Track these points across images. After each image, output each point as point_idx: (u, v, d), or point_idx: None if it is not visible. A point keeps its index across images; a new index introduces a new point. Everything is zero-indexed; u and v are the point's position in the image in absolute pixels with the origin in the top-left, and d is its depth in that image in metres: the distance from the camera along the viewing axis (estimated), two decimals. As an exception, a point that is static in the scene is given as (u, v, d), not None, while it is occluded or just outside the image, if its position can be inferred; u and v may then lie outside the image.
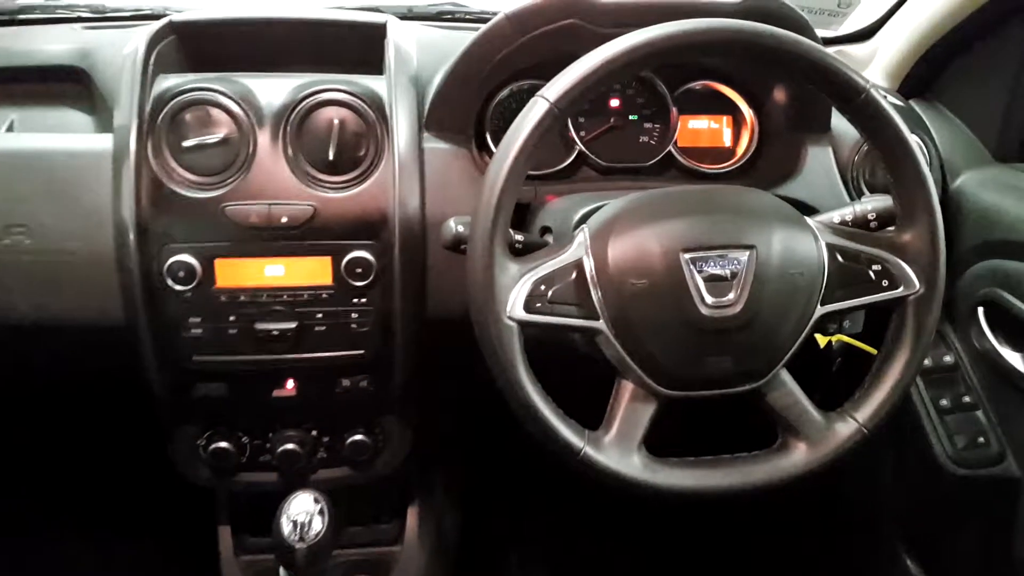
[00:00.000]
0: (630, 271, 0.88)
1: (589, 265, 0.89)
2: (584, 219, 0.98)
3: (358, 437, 1.23)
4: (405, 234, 1.09)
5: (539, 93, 0.86)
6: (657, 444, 0.91)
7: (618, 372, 0.90)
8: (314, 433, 1.23)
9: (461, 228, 0.96)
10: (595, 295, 0.88)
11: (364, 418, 1.23)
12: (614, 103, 1.29)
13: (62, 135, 1.12)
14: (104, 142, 1.07)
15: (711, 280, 0.87)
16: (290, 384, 1.16)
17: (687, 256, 0.87)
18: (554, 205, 1.12)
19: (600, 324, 0.88)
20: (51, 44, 1.22)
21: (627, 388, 0.90)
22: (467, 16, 1.40)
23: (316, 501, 1.08)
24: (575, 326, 0.89)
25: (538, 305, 0.87)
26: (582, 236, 0.91)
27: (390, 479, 1.31)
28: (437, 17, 1.39)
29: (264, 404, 1.17)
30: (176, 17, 1.17)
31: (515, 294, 0.86)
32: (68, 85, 1.21)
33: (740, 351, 0.90)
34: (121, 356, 1.11)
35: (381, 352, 1.14)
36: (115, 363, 1.14)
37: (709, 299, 0.87)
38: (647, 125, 1.30)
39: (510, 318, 0.86)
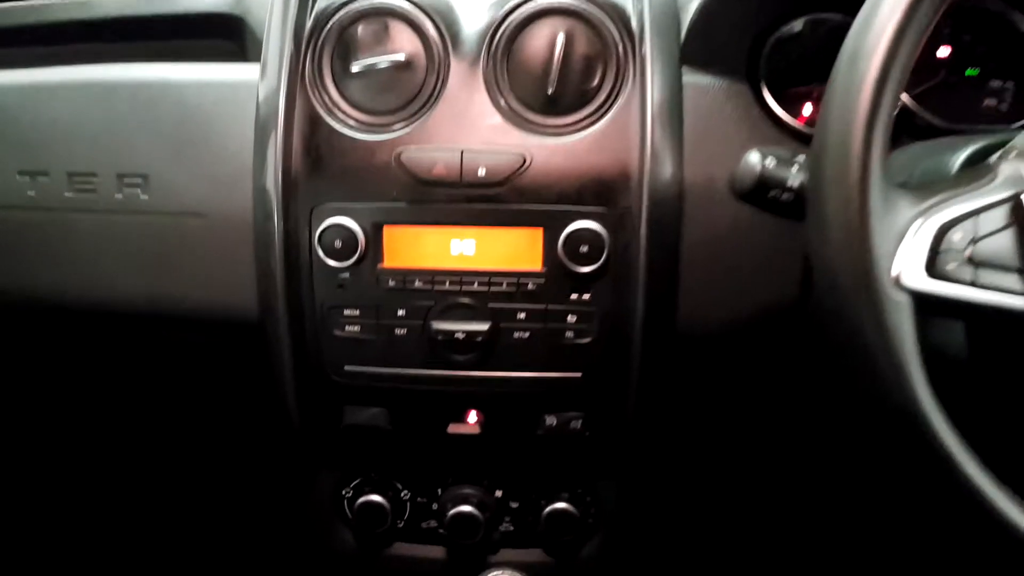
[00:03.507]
0: None
1: None
2: (985, 152, 0.57)
3: (560, 506, 0.85)
4: (655, 199, 0.73)
5: None
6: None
7: None
8: (499, 494, 0.86)
9: (771, 163, 0.59)
10: None
11: (572, 478, 0.86)
12: (943, 52, 0.88)
13: (194, 64, 0.85)
14: (250, 72, 0.80)
15: None
16: (472, 417, 0.81)
17: None
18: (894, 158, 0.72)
19: None
20: None
21: None
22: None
23: None
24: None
25: (950, 267, 0.47)
26: (1013, 166, 0.51)
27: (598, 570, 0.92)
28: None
29: (435, 444, 0.82)
30: None
31: (910, 248, 0.47)
32: (219, 41, 0.96)
33: None
34: (252, 362, 0.81)
35: (606, 377, 0.77)
36: (243, 372, 0.85)
37: None
38: (994, 84, 0.88)
39: (901, 286, 0.47)
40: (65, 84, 0.84)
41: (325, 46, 0.76)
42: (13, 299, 0.84)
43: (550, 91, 0.74)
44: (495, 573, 0.70)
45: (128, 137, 0.79)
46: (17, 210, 0.82)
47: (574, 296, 0.75)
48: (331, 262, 0.74)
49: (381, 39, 0.76)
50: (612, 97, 0.75)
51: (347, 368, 0.78)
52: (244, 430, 1.05)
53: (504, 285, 0.75)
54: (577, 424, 0.79)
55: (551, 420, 0.79)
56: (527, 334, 0.76)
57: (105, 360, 1.01)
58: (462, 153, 0.74)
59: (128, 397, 1.13)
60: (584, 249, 0.73)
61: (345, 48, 0.76)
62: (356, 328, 0.77)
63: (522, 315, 0.75)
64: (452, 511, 0.84)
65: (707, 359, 0.83)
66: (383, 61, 0.75)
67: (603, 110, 0.75)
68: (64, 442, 1.27)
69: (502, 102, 0.75)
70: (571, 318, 0.75)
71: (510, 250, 0.75)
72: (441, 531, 0.87)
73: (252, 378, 0.85)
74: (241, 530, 1.32)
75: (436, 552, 0.89)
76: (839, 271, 0.49)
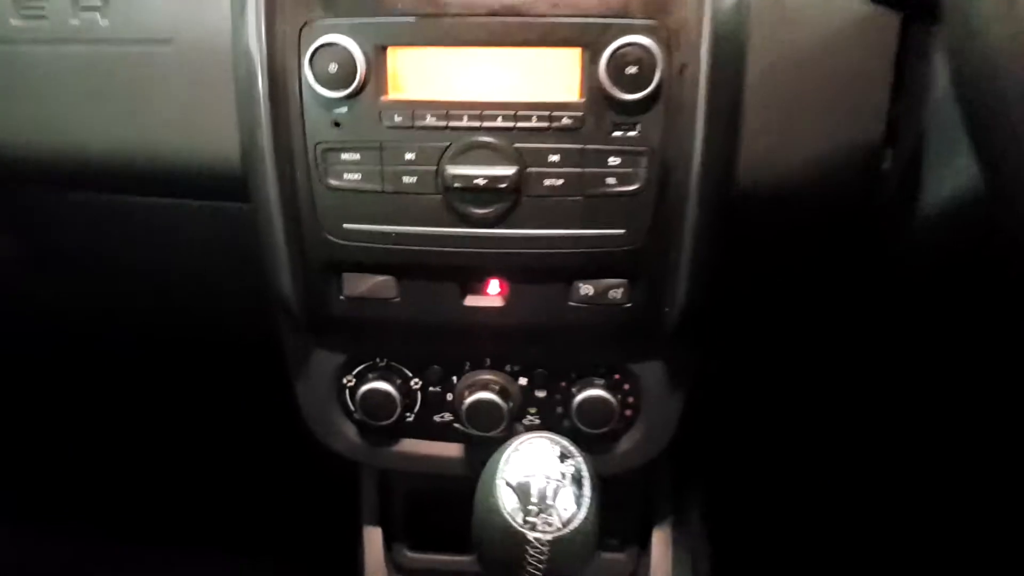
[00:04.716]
0: None
1: None
2: None
3: (594, 393, 0.73)
4: (720, 7, 0.59)
5: None
6: None
7: None
8: (523, 381, 0.74)
9: None
10: None
11: (608, 360, 0.73)
12: None
13: None
14: None
15: None
16: (494, 287, 0.69)
17: None
18: None
19: None
20: None
21: None
22: None
23: (564, 456, 0.58)
24: None
25: None
26: None
27: (633, 477, 0.80)
28: None
29: (450, 321, 0.70)
30: None
31: None
32: None
33: None
34: (236, 226, 0.69)
35: (654, 236, 0.64)
36: (227, 242, 0.73)
37: None
38: None
39: None
40: None
41: None
42: None
43: None
44: (537, 441, 0.58)
45: None
46: None
47: (618, 133, 0.62)
48: (325, 92, 0.61)
49: None
50: None
51: (345, 226, 0.66)
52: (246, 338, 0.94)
53: (533, 120, 0.62)
54: (617, 293, 0.67)
55: (587, 288, 0.67)
56: (560, 181, 0.63)
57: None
58: None
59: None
60: (632, 71, 0.59)
61: None
62: (356, 176, 0.64)
63: (555, 157, 0.62)
64: (468, 399, 0.72)
65: (771, 224, 0.70)
66: None
67: None
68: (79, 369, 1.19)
69: None
70: (614, 160, 0.62)
71: (541, 76, 0.62)
72: (456, 424, 0.75)
73: (236, 257, 0.73)
74: (248, 448, 1.24)
75: (451, 450, 0.77)
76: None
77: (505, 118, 0.62)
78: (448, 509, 0.83)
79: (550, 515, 0.54)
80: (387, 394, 0.74)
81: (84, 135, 0.70)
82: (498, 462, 0.57)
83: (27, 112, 0.70)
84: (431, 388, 0.76)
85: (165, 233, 0.78)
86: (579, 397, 0.73)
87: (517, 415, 0.74)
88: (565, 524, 0.54)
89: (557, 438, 0.59)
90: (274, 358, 0.80)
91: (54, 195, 0.77)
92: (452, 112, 0.62)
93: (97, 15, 0.67)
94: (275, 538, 1.23)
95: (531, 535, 0.54)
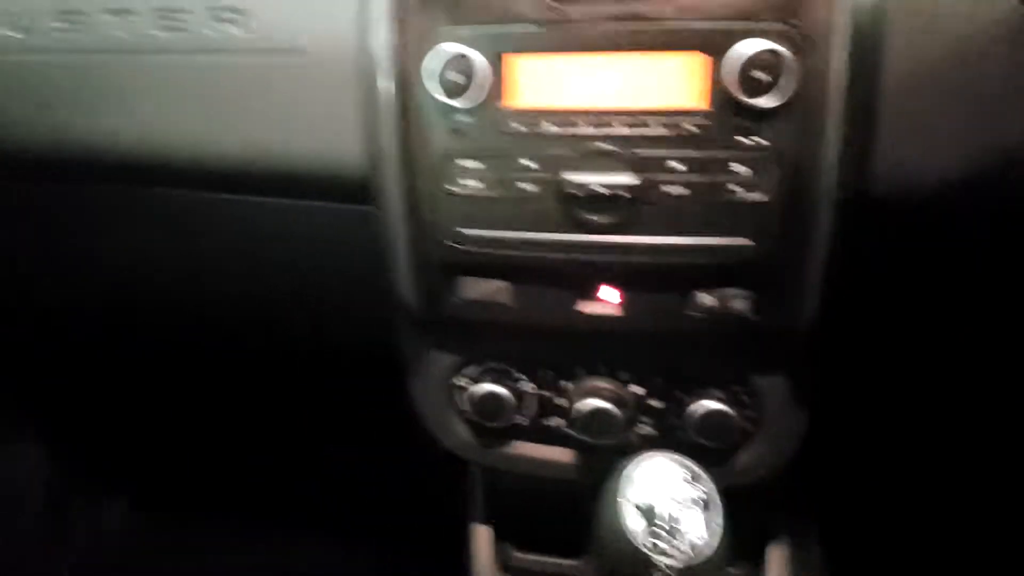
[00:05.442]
0: None
1: None
2: None
3: (712, 405, 0.71)
4: (859, 8, 0.57)
5: None
6: None
7: None
8: (638, 390, 0.73)
9: None
10: None
11: (729, 371, 0.71)
12: None
13: None
14: None
15: None
16: (610, 294, 0.68)
17: None
18: None
19: None
20: None
21: None
22: None
23: (692, 479, 0.57)
24: None
25: None
26: None
27: (750, 492, 0.78)
28: None
29: (564, 327, 0.70)
30: None
31: None
32: None
33: None
34: (357, 229, 0.72)
35: (784, 247, 0.62)
36: (347, 242, 0.76)
37: None
38: None
39: None
40: None
41: None
42: (98, 151, 0.77)
43: None
44: (658, 458, 0.57)
45: None
46: (107, 54, 0.74)
47: (744, 140, 0.60)
48: (447, 100, 0.62)
49: None
50: None
51: (463, 231, 0.66)
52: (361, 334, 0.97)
53: (655, 126, 0.61)
54: (742, 305, 0.65)
55: (708, 299, 0.65)
56: (684, 189, 0.61)
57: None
58: None
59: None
60: (762, 77, 0.57)
61: None
62: (475, 182, 0.65)
63: (678, 164, 0.61)
64: (581, 406, 0.71)
65: (910, 236, 0.66)
66: None
67: None
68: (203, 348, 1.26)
69: None
70: (739, 168, 0.60)
71: (664, 83, 0.60)
72: (567, 431, 0.75)
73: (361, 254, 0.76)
74: (358, 444, 1.29)
75: (563, 455, 0.77)
76: None
77: (626, 125, 0.61)
78: (557, 512, 0.84)
79: (678, 540, 0.53)
80: (499, 396, 0.75)
81: (215, 139, 0.74)
82: (620, 480, 0.56)
83: (164, 117, 0.75)
84: (543, 392, 0.76)
85: (288, 233, 0.82)
86: (697, 410, 0.71)
87: (630, 423, 0.73)
88: (695, 551, 0.53)
89: (681, 459, 0.58)
90: (390, 355, 0.82)
91: (181, 194, 0.82)
92: (572, 119, 0.62)
93: (233, 27, 0.70)
94: (385, 532, 1.27)
95: (660, 560, 0.53)
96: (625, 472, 0.57)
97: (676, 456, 0.58)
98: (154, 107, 0.74)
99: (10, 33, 0.77)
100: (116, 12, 0.73)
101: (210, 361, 1.27)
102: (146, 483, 1.50)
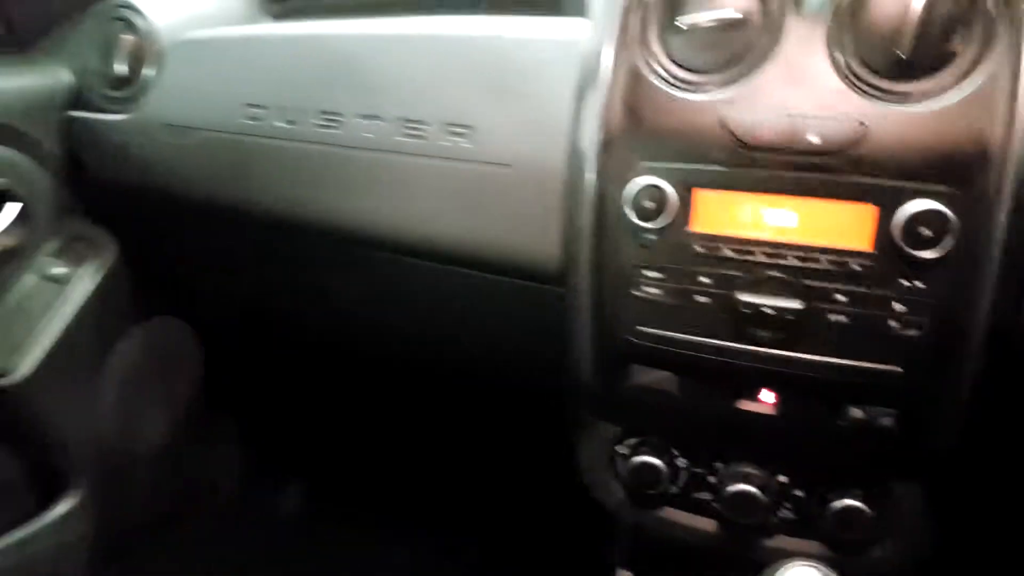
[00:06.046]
0: None
1: None
2: None
3: (850, 503, 0.79)
4: (1023, 180, 0.63)
5: None
6: None
7: None
8: (782, 479, 0.82)
9: None
10: None
11: (869, 474, 0.79)
12: None
13: (514, 17, 0.88)
14: (568, 26, 0.81)
15: None
16: (768, 397, 0.77)
17: None
18: None
19: None
20: None
21: None
22: None
23: None
24: None
25: None
26: None
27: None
28: None
29: (722, 418, 0.79)
30: None
31: None
32: None
33: None
34: (538, 313, 0.84)
35: (931, 376, 0.69)
36: (531, 323, 0.89)
37: None
38: None
39: None
40: (395, 36, 0.91)
41: (653, 1, 0.74)
42: (349, 230, 0.94)
43: (905, 53, 0.65)
44: (802, 569, 0.66)
45: (454, 89, 0.85)
46: (357, 150, 0.91)
47: (905, 283, 0.67)
48: (639, 222, 0.74)
49: None
50: (976, 62, 0.65)
51: (641, 328, 0.78)
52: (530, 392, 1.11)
53: (824, 262, 0.69)
54: (888, 422, 0.72)
55: (858, 413, 0.73)
56: (844, 318, 0.70)
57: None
58: (792, 118, 0.69)
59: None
60: (924, 232, 0.65)
61: (673, 3, 0.73)
62: (656, 290, 0.76)
63: (841, 296, 0.69)
64: (729, 488, 0.81)
65: None
66: (714, 17, 0.71)
67: (963, 76, 0.65)
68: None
69: (843, 63, 0.68)
70: (898, 306, 0.68)
71: (835, 225, 0.69)
72: (715, 506, 0.84)
73: (539, 333, 0.88)
74: (513, 485, 1.43)
75: (708, 524, 0.87)
76: None
77: (797, 258, 0.70)
78: (696, 570, 0.93)
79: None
80: (655, 467, 0.85)
81: (438, 226, 0.89)
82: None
83: (399, 205, 0.91)
84: (696, 469, 0.86)
85: (485, 302, 0.96)
86: (837, 504, 0.79)
87: (773, 507, 0.82)
88: None
89: (825, 569, 0.66)
90: (560, 418, 0.94)
91: (395, 257, 0.98)
92: (748, 247, 0.72)
93: (463, 140, 0.85)
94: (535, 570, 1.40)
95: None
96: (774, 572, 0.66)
97: (818, 565, 0.67)
98: (389, 196, 0.90)
99: (281, 124, 0.96)
100: (367, 117, 0.90)
101: (395, 390, 1.46)
102: (317, 480, 1.70)
